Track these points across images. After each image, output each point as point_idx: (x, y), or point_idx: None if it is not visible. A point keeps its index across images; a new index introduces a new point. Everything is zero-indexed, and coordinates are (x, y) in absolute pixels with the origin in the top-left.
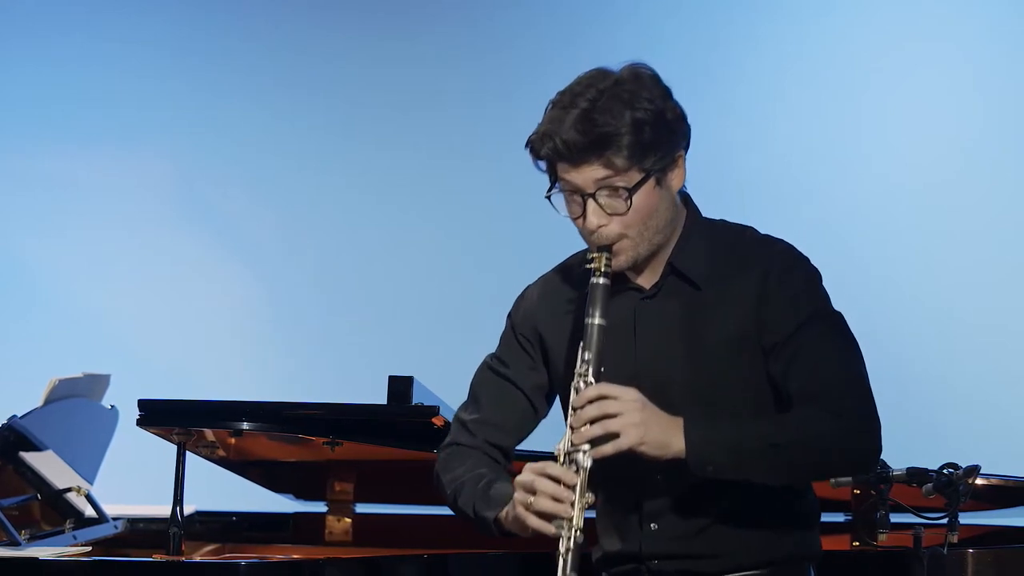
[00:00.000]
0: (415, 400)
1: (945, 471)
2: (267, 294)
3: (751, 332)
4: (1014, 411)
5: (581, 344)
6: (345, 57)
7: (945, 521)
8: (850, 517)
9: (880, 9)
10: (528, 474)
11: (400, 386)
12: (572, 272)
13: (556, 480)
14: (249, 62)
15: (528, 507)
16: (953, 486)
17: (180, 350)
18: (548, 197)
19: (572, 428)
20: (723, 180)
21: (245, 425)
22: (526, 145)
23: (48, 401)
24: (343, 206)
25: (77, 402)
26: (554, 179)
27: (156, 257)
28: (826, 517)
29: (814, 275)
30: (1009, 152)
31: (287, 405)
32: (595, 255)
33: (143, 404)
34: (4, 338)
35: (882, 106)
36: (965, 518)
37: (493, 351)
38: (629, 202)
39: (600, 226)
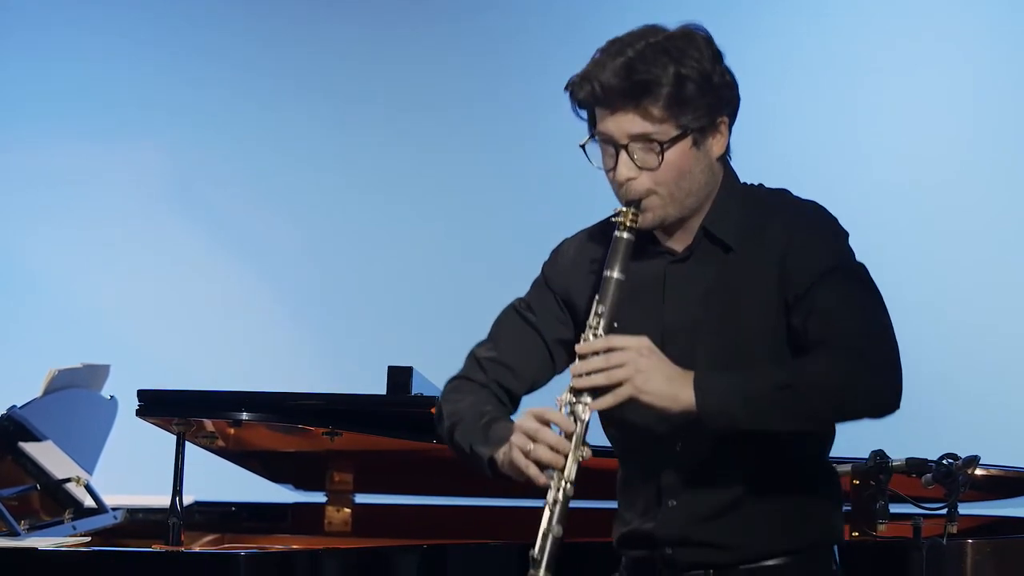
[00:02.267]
0: (415, 390)
1: (944, 461)
2: (266, 285)
3: (776, 289)
4: (1013, 402)
5: (596, 297)
6: (342, 52)
7: (944, 511)
8: (849, 507)
9: (878, 7)
10: (529, 420)
11: (400, 376)
12: (610, 232)
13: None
14: (246, 58)
15: (527, 454)
16: (952, 476)
17: (179, 341)
18: (583, 146)
19: (575, 377)
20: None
21: (244, 415)
22: (566, 87)
23: (47, 391)
24: (341, 199)
25: (76, 392)
26: (592, 127)
27: (155, 249)
28: None
29: (839, 232)
30: (1008, 150)
31: (287, 395)
32: (622, 209)
33: (142, 394)
34: (4, 330)
35: (880, 105)
36: (964, 508)
37: (522, 295)
38: (661, 157)
39: (629, 179)
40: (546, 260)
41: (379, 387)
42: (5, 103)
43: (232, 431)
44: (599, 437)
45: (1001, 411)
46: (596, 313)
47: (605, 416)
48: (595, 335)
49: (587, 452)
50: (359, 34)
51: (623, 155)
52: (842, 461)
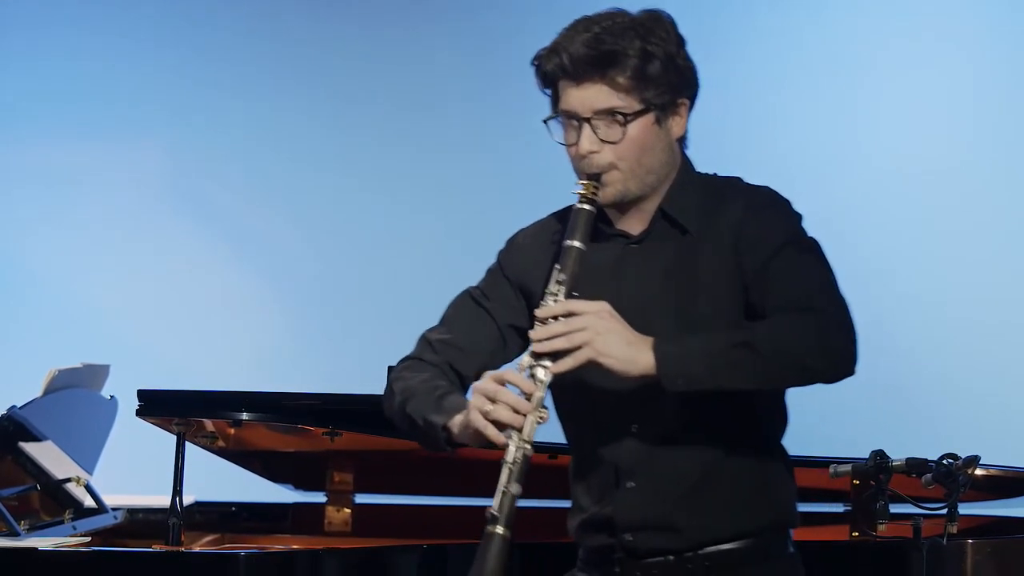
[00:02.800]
0: None
1: (944, 461)
2: (267, 285)
3: (734, 271)
4: (1014, 401)
5: (557, 265)
6: (343, 51)
7: (944, 511)
8: (849, 507)
9: (877, 7)
10: (488, 382)
11: None
12: (566, 221)
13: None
14: (245, 56)
15: (486, 415)
16: (952, 476)
17: (179, 341)
18: (546, 122)
19: (535, 342)
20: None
21: (244, 415)
22: (533, 60)
23: (47, 391)
24: (342, 198)
25: (77, 392)
26: (556, 104)
27: (155, 249)
28: (825, 507)
29: (792, 213)
30: (1008, 149)
31: (287, 395)
32: (583, 182)
33: (142, 394)
34: (3, 329)
35: (879, 104)
36: (964, 508)
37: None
38: (625, 129)
39: (592, 152)
40: (501, 249)
41: (379, 387)
42: (3, 102)
43: (232, 431)
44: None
45: (1001, 411)
46: (557, 280)
47: (561, 396)
48: (555, 301)
49: (546, 415)
50: (360, 33)
51: (586, 128)
52: (842, 461)
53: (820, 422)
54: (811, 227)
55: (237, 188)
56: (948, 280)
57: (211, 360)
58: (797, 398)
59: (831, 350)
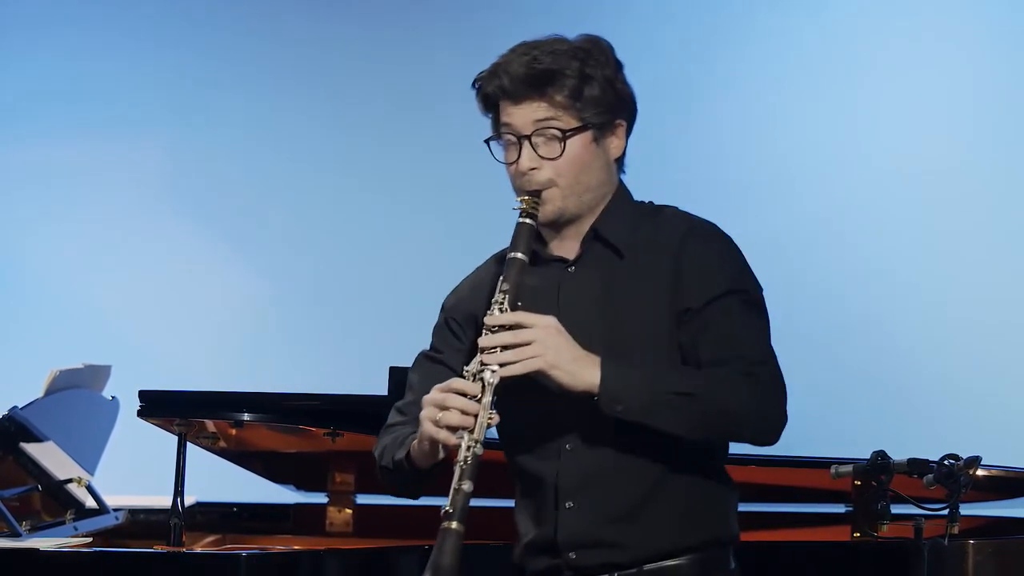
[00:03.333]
0: None
1: (946, 462)
2: (267, 285)
3: (667, 302)
4: (1015, 402)
5: (501, 277)
6: (342, 50)
7: (946, 512)
8: (851, 508)
9: (877, 5)
10: (436, 392)
11: (401, 376)
12: (504, 260)
13: (463, 394)
14: (245, 56)
15: (436, 422)
16: (954, 477)
17: (181, 341)
18: (487, 142)
19: (483, 351)
20: (720, 175)
21: (246, 416)
22: (473, 83)
23: (49, 392)
24: (342, 197)
25: (78, 393)
26: (496, 126)
27: (156, 249)
28: (826, 508)
29: (733, 249)
30: (1008, 149)
31: (288, 396)
32: (524, 198)
33: (144, 395)
34: (5, 329)
35: (879, 101)
36: (966, 509)
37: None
38: (563, 145)
39: (532, 168)
40: (441, 306)
41: (380, 387)
42: (4, 102)
43: (233, 432)
44: None
45: (1002, 411)
46: (501, 290)
47: (500, 421)
48: (501, 309)
49: (495, 417)
50: (360, 33)
51: (526, 146)
52: (843, 462)
53: (821, 423)
54: (811, 227)
55: (238, 188)
56: (949, 280)
57: (212, 361)
58: (798, 399)
59: (768, 419)
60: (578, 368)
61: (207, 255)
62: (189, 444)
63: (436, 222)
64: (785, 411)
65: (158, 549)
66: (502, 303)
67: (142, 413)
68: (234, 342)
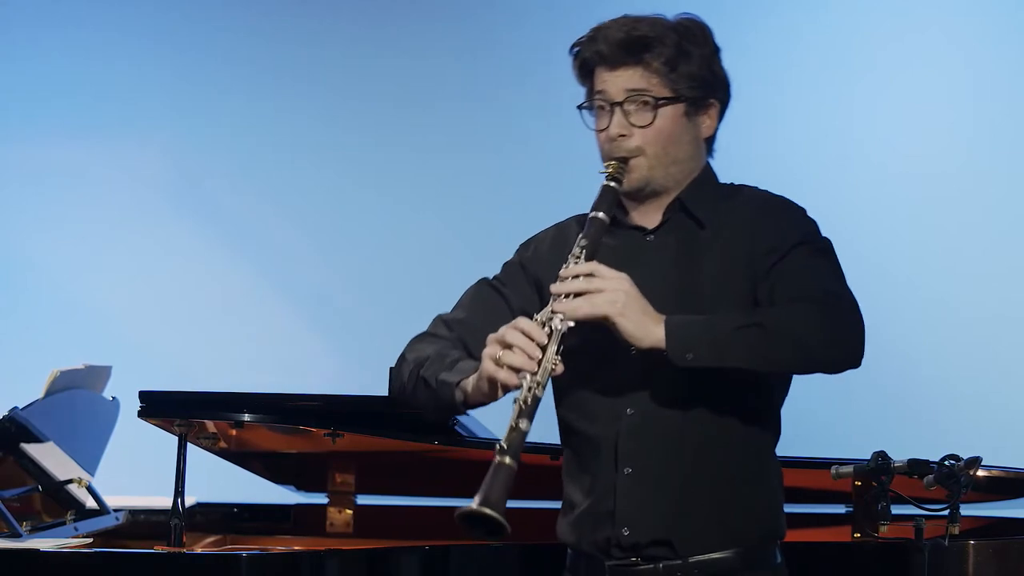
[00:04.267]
0: None
1: (946, 462)
2: (268, 285)
3: (744, 270)
4: (1015, 402)
5: (580, 234)
6: (348, 50)
7: (946, 512)
8: (851, 508)
9: (877, 5)
10: (504, 329)
11: None
12: (583, 224)
13: (529, 337)
14: (248, 55)
15: (497, 361)
16: (954, 477)
17: (181, 341)
18: (580, 108)
19: (554, 298)
20: (721, 175)
21: (246, 416)
22: (571, 48)
23: (49, 392)
24: (343, 198)
25: (78, 393)
26: (591, 93)
27: (157, 249)
28: (827, 508)
29: (808, 218)
30: (1009, 149)
31: (288, 396)
32: (610, 162)
33: (144, 395)
34: (5, 329)
35: (878, 101)
36: (966, 509)
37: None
38: (655, 114)
39: (621, 135)
40: (519, 247)
41: (381, 388)
42: (6, 100)
43: (234, 432)
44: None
45: (1003, 412)
46: (579, 244)
47: (559, 383)
48: (576, 262)
49: (560, 367)
50: (365, 32)
51: (617, 112)
52: (844, 462)
53: (822, 423)
54: None
55: (239, 188)
56: (949, 281)
57: (212, 361)
58: (799, 399)
59: (838, 340)
60: (646, 322)
61: (208, 255)
62: (189, 444)
63: (438, 222)
64: (859, 336)
65: (158, 550)
66: (578, 256)
67: (142, 413)
68: (234, 342)
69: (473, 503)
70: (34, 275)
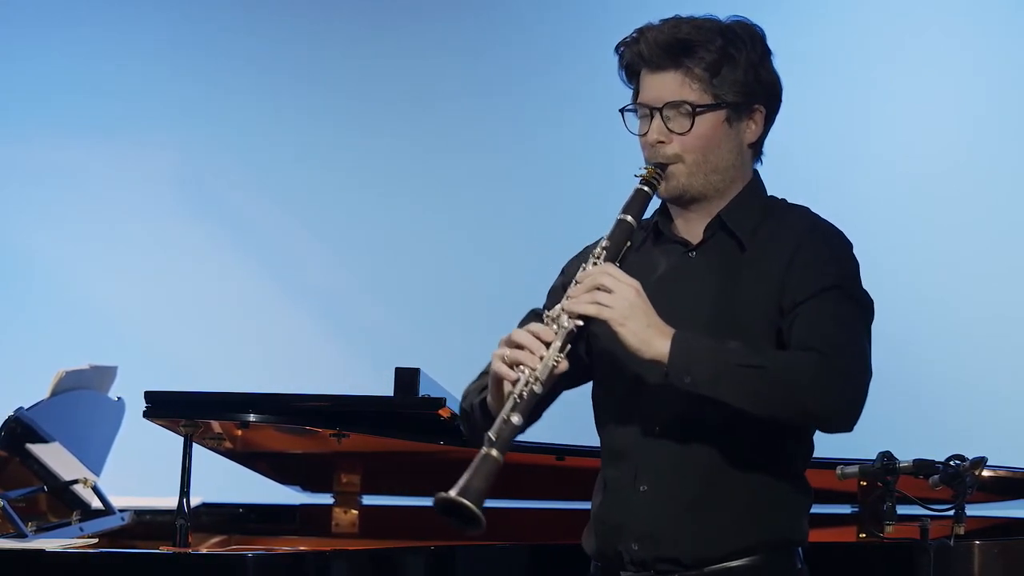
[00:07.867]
0: (422, 392)
1: (952, 463)
2: (274, 286)
3: (776, 296)
4: (1021, 402)
5: (606, 235)
6: (351, 50)
7: (952, 513)
8: (856, 508)
9: (878, 5)
10: (513, 332)
11: (407, 378)
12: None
13: (536, 336)
14: (255, 55)
15: (502, 357)
16: (960, 478)
17: (186, 342)
18: (622, 112)
19: (567, 298)
20: None
21: (252, 417)
22: (616, 48)
23: (55, 393)
24: (349, 198)
25: (84, 394)
26: (635, 94)
27: (163, 249)
28: (832, 508)
29: (851, 257)
30: (1014, 148)
31: (294, 397)
32: (647, 166)
33: (150, 396)
34: (11, 330)
35: (885, 100)
36: (972, 510)
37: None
38: (693, 121)
39: (659, 142)
40: (561, 270)
41: (386, 388)
42: (14, 99)
43: (239, 432)
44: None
45: (1008, 412)
46: (601, 247)
47: (597, 401)
48: (595, 264)
49: (564, 364)
50: (372, 33)
51: (656, 118)
52: (849, 462)
53: None
54: None
55: (247, 188)
56: (954, 281)
57: (218, 361)
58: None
59: (838, 398)
60: (650, 335)
61: (213, 255)
62: (195, 445)
63: (444, 223)
64: (858, 400)
65: (164, 550)
66: (598, 257)
67: (148, 414)
68: (240, 343)
69: (452, 491)
70: (40, 275)
